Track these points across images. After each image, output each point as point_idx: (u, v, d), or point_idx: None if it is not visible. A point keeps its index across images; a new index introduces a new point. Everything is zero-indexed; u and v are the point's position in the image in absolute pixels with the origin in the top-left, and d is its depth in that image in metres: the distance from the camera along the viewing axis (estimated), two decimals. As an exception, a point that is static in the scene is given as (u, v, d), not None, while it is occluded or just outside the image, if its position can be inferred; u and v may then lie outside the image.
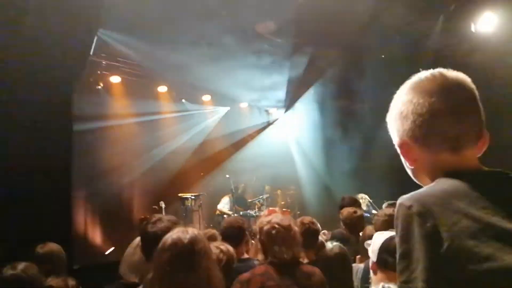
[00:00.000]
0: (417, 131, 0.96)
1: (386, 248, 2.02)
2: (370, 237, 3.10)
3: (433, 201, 0.85)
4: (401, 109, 1.00)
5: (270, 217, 2.49)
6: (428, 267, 0.81)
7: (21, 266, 2.31)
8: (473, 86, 0.98)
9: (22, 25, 5.03)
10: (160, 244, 1.73)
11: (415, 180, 1.06)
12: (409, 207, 0.86)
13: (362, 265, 3.11)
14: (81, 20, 5.71)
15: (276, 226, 2.36)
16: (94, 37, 6.67)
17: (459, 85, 0.97)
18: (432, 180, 0.96)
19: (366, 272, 2.80)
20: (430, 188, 0.93)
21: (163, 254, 1.69)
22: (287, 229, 2.37)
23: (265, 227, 2.39)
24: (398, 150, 1.04)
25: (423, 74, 1.00)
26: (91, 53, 7.01)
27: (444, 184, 0.91)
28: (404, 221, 0.87)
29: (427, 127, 0.95)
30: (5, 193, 4.71)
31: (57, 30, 5.18)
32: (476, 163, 0.97)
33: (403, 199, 0.90)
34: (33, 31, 5.00)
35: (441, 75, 0.98)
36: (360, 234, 3.43)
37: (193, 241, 1.71)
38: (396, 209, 0.92)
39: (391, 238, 1.99)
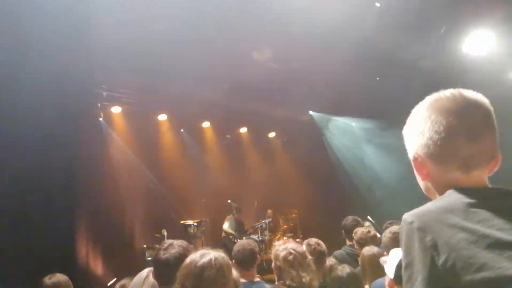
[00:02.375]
0: (432, 148, 1.00)
1: None
2: (369, 258, 3.12)
3: (431, 217, 0.91)
4: (419, 124, 1.04)
5: (285, 244, 2.55)
6: (426, 278, 0.86)
7: None
8: (490, 108, 1.01)
9: (25, 63, 5.18)
10: (184, 262, 1.82)
11: (426, 194, 1.10)
12: (411, 223, 0.92)
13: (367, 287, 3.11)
14: (84, 55, 5.89)
15: (292, 251, 2.43)
16: (96, 70, 6.84)
17: (477, 107, 1.00)
18: (441, 195, 1.00)
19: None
20: (431, 204, 0.97)
21: (182, 271, 1.79)
22: (303, 255, 2.44)
23: (282, 253, 2.45)
24: (412, 164, 1.08)
25: (443, 92, 1.04)
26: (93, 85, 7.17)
27: (444, 200, 0.96)
28: (407, 236, 0.93)
29: (442, 145, 0.98)
30: (13, 226, 4.74)
31: (60, 67, 5.34)
32: (482, 181, 1.00)
33: (406, 215, 0.95)
34: (37, 68, 5.14)
35: (461, 95, 1.01)
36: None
37: (207, 266, 1.77)
38: (401, 224, 0.97)
39: None
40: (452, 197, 0.95)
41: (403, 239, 0.94)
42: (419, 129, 1.03)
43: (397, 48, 6.95)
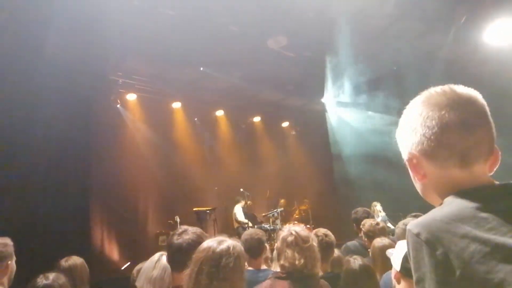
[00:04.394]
0: (426, 144, 0.95)
1: None
2: (380, 249, 3.09)
3: (440, 227, 0.84)
4: (410, 123, 0.99)
5: (292, 226, 2.51)
6: None
7: (52, 276, 2.45)
8: (483, 101, 0.96)
9: (44, 49, 5.24)
10: (200, 246, 1.84)
11: (423, 197, 1.04)
12: (418, 234, 0.85)
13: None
14: (99, 42, 5.93)
15: (294, 233, 2.36)
16: (111, 57, 6.89)
17: (469, 100, 0.94)
18: (441, 197, 0.95)
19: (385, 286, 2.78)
20: (436, 211, 0.90)
21: (198, 254, 1.80)
22: (304, 239, 2.35)
23: (283, 234, 2.41)
24: (407, 165, 1.02)
25: (433, 89, 0.98)
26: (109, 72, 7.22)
27: (450, 206, 0.89)
28: (414, 249, 0.87)
29: (436, 140, 0.93)
30: (29, 210, 4.86)
31: (77, 53, 5.39)
32: (486, 179, 0.94)
33: (411, 225, 0.89)
34: (53, 56, 5.20)
35: (451, 89, 0.96)
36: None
37: (225, 253, 1.78)
38: (406, 234, 0.91)
39: None
40: (458, 202, 0.88)
41: (410, 251, 0.88)
42: (411, 127, 0.98)
43: (417, 37, 6.79)
